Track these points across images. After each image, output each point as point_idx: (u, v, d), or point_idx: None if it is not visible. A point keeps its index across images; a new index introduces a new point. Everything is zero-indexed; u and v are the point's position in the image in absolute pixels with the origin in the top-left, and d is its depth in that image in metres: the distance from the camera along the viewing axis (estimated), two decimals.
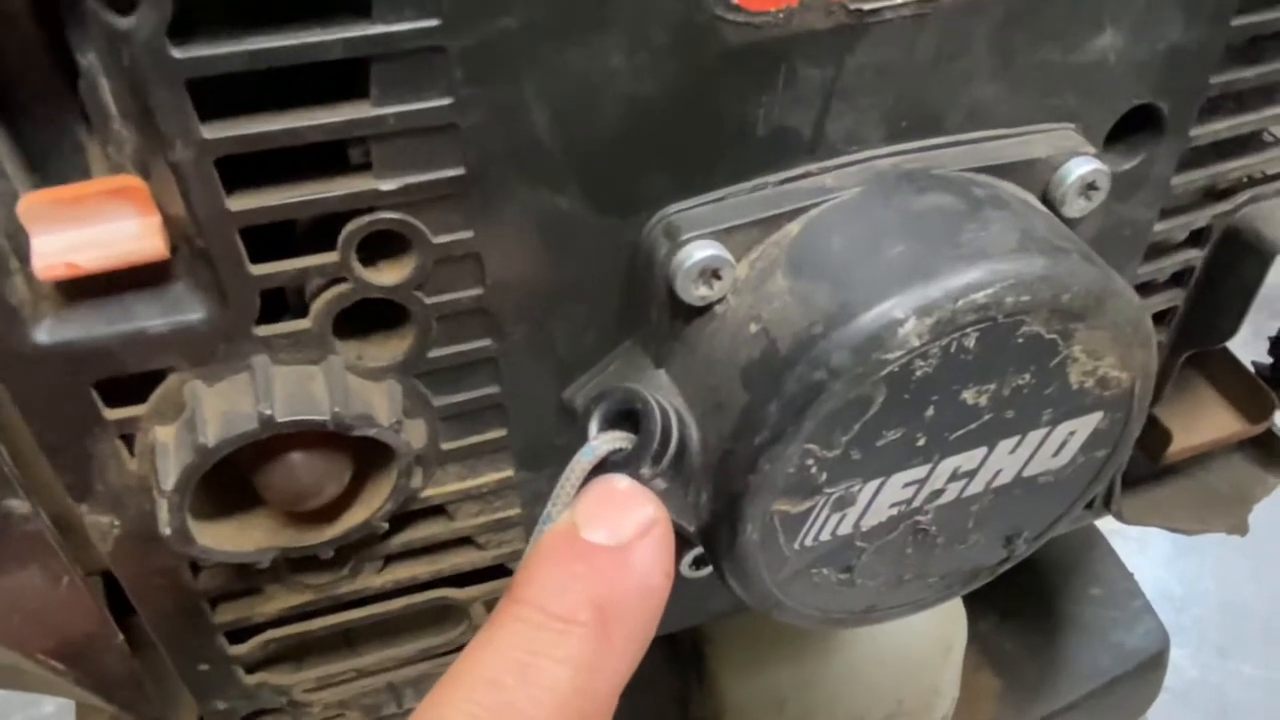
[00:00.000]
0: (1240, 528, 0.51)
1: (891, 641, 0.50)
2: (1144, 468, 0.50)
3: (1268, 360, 0.53)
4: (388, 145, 0.25)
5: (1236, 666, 0.90)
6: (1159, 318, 0.42)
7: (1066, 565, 0.69)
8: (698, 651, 0.51)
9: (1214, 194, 0.39)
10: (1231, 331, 0.40)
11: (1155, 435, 0.47)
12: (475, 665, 0.24)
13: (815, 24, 0.27)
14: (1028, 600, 0.68)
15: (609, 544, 0.25)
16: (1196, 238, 0.39)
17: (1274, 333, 0.53)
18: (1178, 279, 0.41)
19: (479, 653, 0.24)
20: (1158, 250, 0.39)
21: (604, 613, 0.24)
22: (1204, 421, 0.51)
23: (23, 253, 0.25)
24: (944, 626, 0.52)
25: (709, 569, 0.38)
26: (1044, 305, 0.27)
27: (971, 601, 0.71)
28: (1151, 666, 0.64)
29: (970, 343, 0.27)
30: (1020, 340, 0.28)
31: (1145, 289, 0.40)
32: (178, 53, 0.22)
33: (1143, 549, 0.58)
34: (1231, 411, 0.51)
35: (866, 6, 0.27)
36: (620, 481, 0.27)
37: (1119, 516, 0.50)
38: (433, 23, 0.23)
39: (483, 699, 0.23)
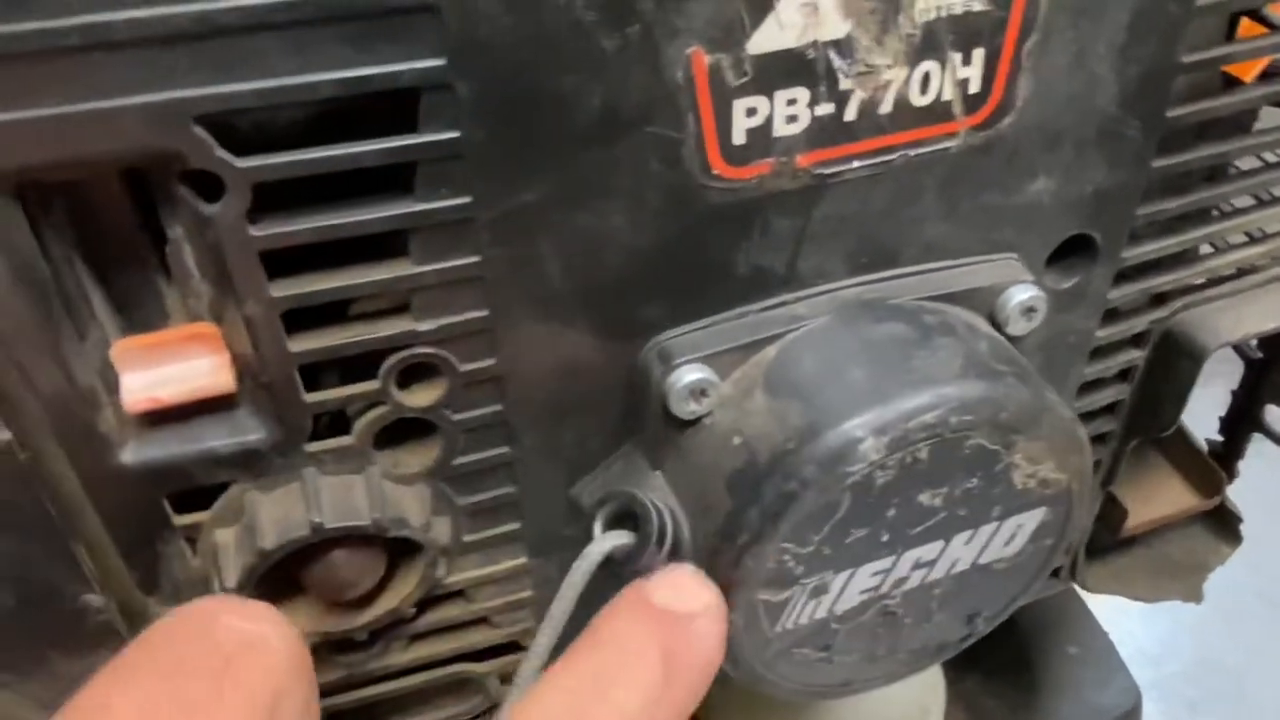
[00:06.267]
0: (1195, 595, 0.55)
1: (872, 708, 0.53)
2: (1106, 539, 0.54)
3: (1220, 438, 0.58)
4: (424, 294, 0.30)
5: None
6: (1109, 408, 0.46)
7: (1046, 625, 0.73)
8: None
9: (1151, 302, 0.43)
10: (1171, 423, 0.44)
11: (1113, 512, 0.52)
12: (552, 682, 0.27)
13: (784, 185, 0.31)
14: (1009, 659, 0.71)
15: (677, 610, 0.29)
16: (1138, 340, 0.44)
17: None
18: (1123, 375, 0.45)
19: (557, 672, 0.27)
20: (1102, 352, 0.43)
21: (669, 661, 0.28)
22: (1160, 496, 0.55)
23: (112, 387, 0.30)
24: (921, 693, 0.55)
25: None
26: (985, 422, 0.32)
27: (957, 661, 0.74)
28: None
29: (923, 455, 0.31)
30: (967, 451, 0.32)
31: (1094, 385, 0.45)
32: (255, 231, 0.27)
33: (1122, 607, 0.62)
34: (1186, 487, 0.55)
35: (828, 171, 0.31)
36: (686, 568, 0.31)
37: (1083, 585, 0.54)
38: (465, 200, 0.28)
39: (557, 705, 0.26)
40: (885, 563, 0.34)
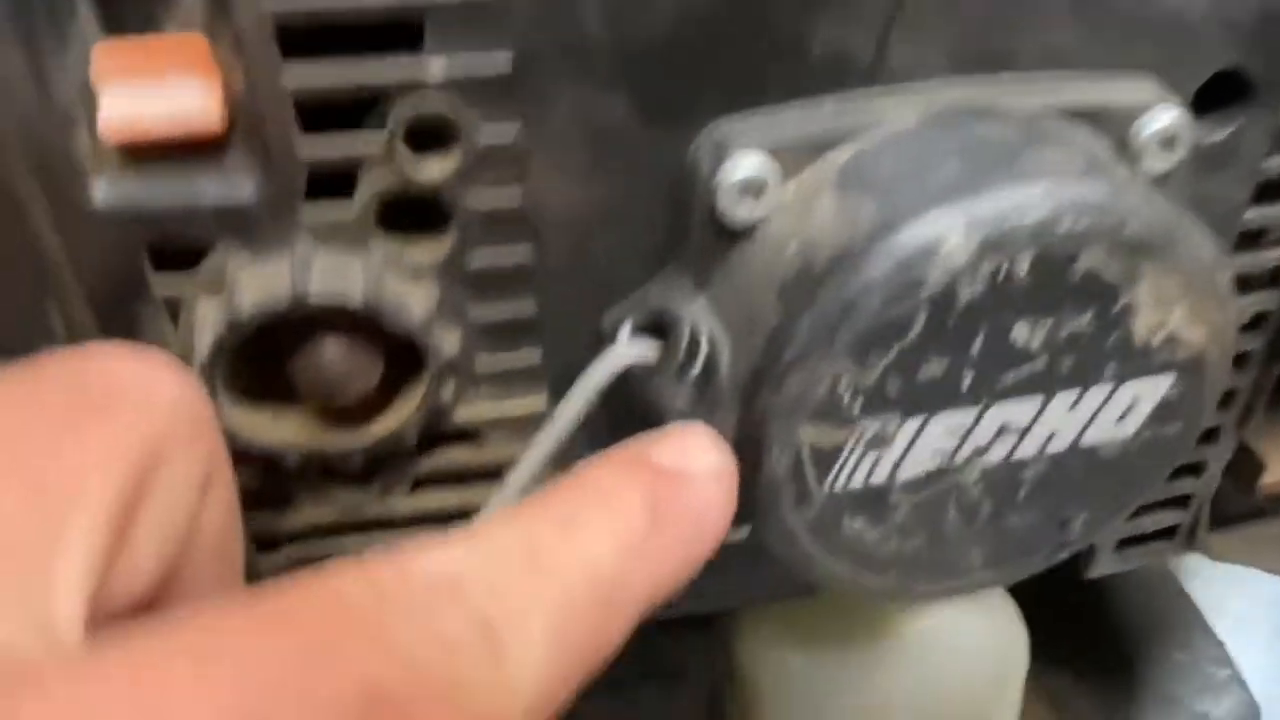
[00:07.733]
0: None
1: (938, 661, 0.46)
2: (1237, 503, 0.46)
3: None
4: (440, 14, 0.26)
5: None
6: (1253, 322, 0.39)
7: (1150, 627, 0.64)
8: (730, 651, 0.48)
9: None
10: None
11: (1247, 463, 0.44)
12: (511, 518, 0.22)
13: None
14: (1106, 659, 0.63)
15: (674, 468, 0.24)
16: None
17: None
18: (1275, 278, 0.38)
19: (520, 511, 0.22)
20: (1252, 240, 0.36)
21: (657, 511, 0.23)
22: None
23: (92, 116, 0.26)
24: (998, 654, 0.48)
25: (744, 530, 0.36)
26: (1105, 235, 0.25)
27: (1045, 659, 0.66)
28: None
29: (1022, 269, 0.26)
30: (1079, 276, 0.26)
31: (1238, 286, 0.37)
32: None
33: (1239, 626, 0.54)
34: None
35: None
36: (697, 427, 0.26)
37: (1206, 552, 0.47)
38: None
39: (511, 544, 0.21)
40: (965, 416, 0.28)
